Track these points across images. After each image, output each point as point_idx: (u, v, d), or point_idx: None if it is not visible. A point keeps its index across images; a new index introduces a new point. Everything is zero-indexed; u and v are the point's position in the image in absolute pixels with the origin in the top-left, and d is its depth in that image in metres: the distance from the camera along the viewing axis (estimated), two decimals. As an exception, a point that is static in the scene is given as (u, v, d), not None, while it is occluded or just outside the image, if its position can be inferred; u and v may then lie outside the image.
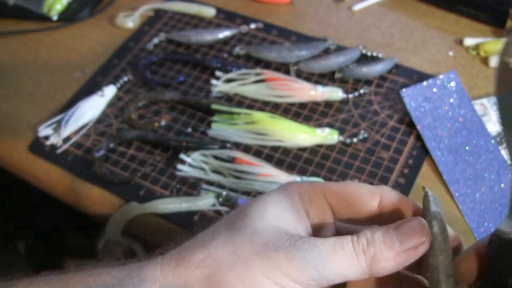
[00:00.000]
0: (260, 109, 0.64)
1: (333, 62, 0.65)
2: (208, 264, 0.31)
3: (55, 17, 0.78)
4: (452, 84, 0.62)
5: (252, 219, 0.33)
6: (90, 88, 0.68)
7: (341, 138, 0.60)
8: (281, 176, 0.56)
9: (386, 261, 0.31)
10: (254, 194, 0.56)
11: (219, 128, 0.62)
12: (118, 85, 0.68)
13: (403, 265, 0.32)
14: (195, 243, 0.33)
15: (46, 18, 0.78)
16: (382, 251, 0.31)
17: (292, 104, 0.64)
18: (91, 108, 0.65)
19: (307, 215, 0.35)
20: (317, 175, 0.58)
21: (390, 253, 0.31)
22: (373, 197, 0.35)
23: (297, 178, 0.56)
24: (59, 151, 0.63)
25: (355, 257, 0.31)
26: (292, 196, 0.35)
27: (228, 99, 0.65)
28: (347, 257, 0.31)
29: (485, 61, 0.66)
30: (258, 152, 0.60)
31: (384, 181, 0.56)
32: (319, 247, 0.31)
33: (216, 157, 0.59)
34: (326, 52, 0.69)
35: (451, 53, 0.68)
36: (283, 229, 0.32)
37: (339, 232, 0.37)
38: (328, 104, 0.64)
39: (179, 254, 0.32)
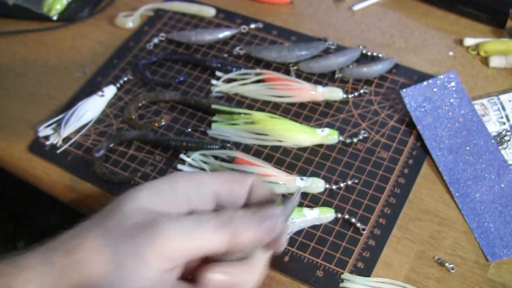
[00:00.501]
0: (260, 109, 0.64)
1: (333, 62, 0.65)
2: (81, 249, 0.33)
3: (55, 17, 0.78)
4: (452, 84, 0.62)
5: (124, 203, 0.35)
6: (90, 88, 0.68)
7: (341, 138, 0.60)
8: (281, 176, 0.56)
9: (246, 234, 0.34)
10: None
11: (219, 128, 0.62)
12: (118, 85, 0.68)
13: (261, 241, 0.35)
14: (72, 231, 0.35)
15: (46, 18, 0.78)
16: (242, 225, 0.34)
17: (292, 104, 0.64)
18: (91, 108, 0.65)
19: (190, 201, 0.37)
20: (317, 175, 0.58)
21: (250, 227, 0.34)
22: (244, 186, 0.38)
23: (297, 178, 0.56)
24: (59, 151, 0.63)
25: (216, 230, 0.33)
26: (174, 181, 0.36)
27: (228, 99, 0.65)
28: (209, 230, 0.33)
29: (485, 61, 0.66)
30: (258, 152, 0.60)
31: (384, 181, 0.56)
32: (182, 222, 0.33)
33: (216, 157, 0.59)
34: (326, 52, 0.69)
35: (451, 53, 0.68)
36: (153, 209, 0.34)
37: None
38: (328, 104, 0.64)
39: (54, 243, 0.34)
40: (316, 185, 0.56)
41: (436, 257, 0.51)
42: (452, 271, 0.50)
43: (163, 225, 0.33)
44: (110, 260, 0.32)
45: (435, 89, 0.62)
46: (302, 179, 0.56)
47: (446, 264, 0.50)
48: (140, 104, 0.66)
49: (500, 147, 0.58)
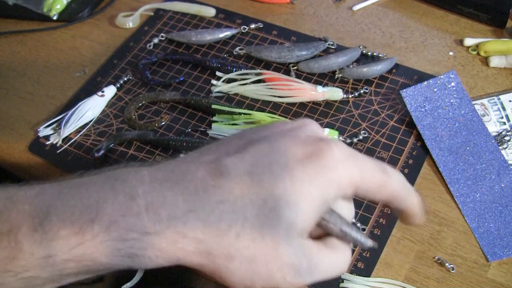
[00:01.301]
0: (260, 109, 0.64)
1: (333, 62, 0.65)
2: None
3: (55, 17, 0.78)
4: (453, 84, 0.62)
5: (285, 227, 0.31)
6: (90, 88, 0.68)
7: (341, 138, 0.60)
8: (281, 176, 0.56)
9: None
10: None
11: (219, 128, 0.62)
12: (118, 85, 0.68)
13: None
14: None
15: (46, 18, 0.78)
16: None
17: (292, 104, 0.64)
18: (91, 108, 0.65)
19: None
20: (317, 175, 0.58)
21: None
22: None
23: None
24: (59, 151, 0.63)
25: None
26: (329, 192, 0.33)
27: (228, 99, 0.65)
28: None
29: (485, 61, 0.66)
30: (258, 152, 0.60)
31: (384, 181, 0.56)
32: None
33: (216, 157, 0.59)
34: (326, 52, 0.69)
35: (451, 53, 0.68)
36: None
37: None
38: (328, 104, 0.64)
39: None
40: (316, 185, 0.55)
41: (436, 257, 0.51)
42: (452, 271, 0.50)
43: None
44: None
45: (435, 89, 0.62)
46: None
47: (446, 264, 0.50)
48: (140, 104, 0.66)
49: (500, 147, 0.58)
